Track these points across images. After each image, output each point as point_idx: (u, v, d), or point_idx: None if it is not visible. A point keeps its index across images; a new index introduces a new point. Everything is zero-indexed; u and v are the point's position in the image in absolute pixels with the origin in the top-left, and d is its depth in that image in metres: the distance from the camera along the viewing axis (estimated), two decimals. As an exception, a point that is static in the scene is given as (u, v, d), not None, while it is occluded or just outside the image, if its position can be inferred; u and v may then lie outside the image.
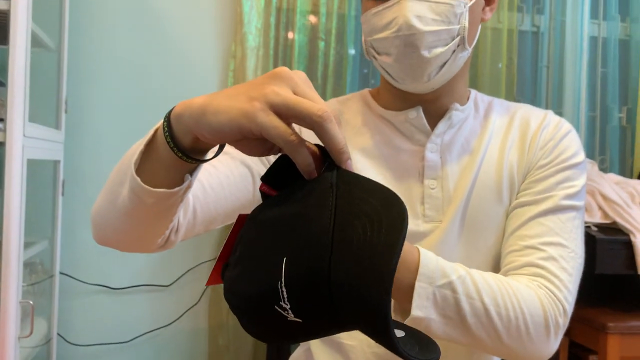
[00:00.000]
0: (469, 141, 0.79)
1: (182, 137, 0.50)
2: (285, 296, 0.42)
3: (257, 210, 0.49)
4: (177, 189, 0.53)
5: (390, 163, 0.77)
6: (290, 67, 1.86)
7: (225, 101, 0.45)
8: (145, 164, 0.54)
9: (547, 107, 2.07)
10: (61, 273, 1.69)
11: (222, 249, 0.52)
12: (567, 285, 0.71)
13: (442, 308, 0.62)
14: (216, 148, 0.52)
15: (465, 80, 0.81)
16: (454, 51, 0.72)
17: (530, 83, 2.05)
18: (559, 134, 0.79)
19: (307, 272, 0.42)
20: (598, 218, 1.66)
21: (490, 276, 0.68)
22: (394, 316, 0.65)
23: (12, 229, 1.25)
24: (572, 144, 0.79)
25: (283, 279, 0.42)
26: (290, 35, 1.86)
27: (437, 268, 0.63)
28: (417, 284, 0.61)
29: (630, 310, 1.67)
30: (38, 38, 1.43)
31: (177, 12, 1.79)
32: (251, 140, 0.46)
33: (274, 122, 0.43)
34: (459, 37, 0.71)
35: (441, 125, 0.77)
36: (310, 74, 1.88)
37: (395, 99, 0.79)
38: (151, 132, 0.54)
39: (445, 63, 0.72)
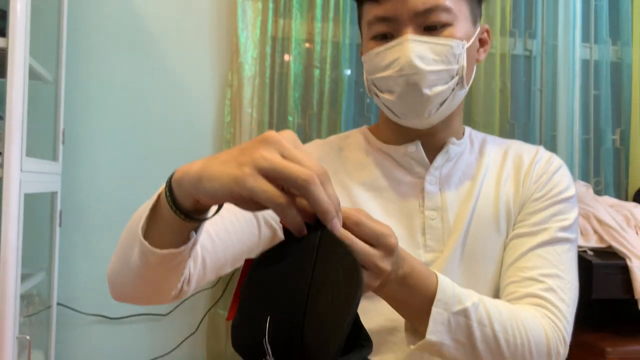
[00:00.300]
0: (466, 174, 0.82)
1: (183, 200, 0.53)
2: (270, 352, 0.47)
3: (256, 263, 0.52)
4: (183, 247, 0.56)
5: (391, 195, 0.80)
6: (286, 95, 1.88)
7: (218, 167, 0.48)
8: (152, 227, 0.57)
9: (541, 130, 2.09)
10: (58, 304, 1.68)
11: (236, 287, 0.55)
12: (566, 316, 0.74)
13: (454, 333, 0.65)
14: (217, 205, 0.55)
15: (460, 117, 0.85)
16: (453, 89, 0.75)
17: (524, 106, 2.07)
18: (551, 169, 0.82)
19: (285, 333, 0.47)
20: (594, 242, 1.67)
21: (501, 304, 0.71)
22: (408, 337, 0.69)
23: (9, 264, 1.25)
24: (564, 179, 0.82)
25: (267, 337, 0.47)
26: (286, 57, 1.88)
27: (454, 295, 0.65)
28: (434, 310, 0.63)
29: (628, 334, 1.67)
30: (35, 71, 1.44)
31: (174, 43, 1.81)
32: (246, 201, 0.48)
33: (262, 186, 0.45)
34: (457, 76, 0.75)
35: (439, 159, 0.81)
36: (306, 101, 1.90)
37: (395, 133, 0.82)
38: (155, 197, 0.57)
39: (445, 100, 0.75)
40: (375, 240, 0.54)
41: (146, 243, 0.56)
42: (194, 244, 0.57)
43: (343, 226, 0.51)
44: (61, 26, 1.63)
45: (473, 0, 0.78)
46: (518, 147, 0.87)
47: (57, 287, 1.67)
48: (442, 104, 0.75)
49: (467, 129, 0.87)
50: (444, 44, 0.72)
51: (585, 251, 1.64)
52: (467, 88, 0.78)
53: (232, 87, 1.83)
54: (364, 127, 0.89)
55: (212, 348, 1.78)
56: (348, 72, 1.92)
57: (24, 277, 1.37)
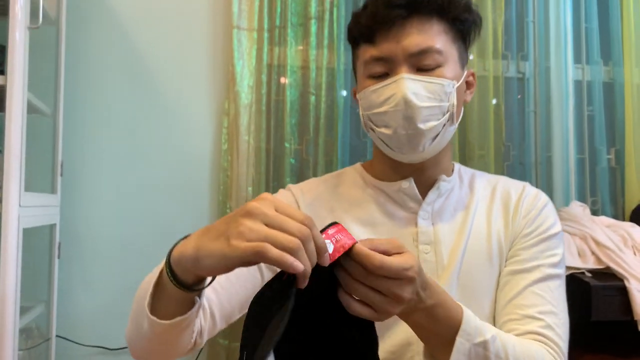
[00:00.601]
0: (457, 209, 0.85)
1: (184, 277, 0.57)
2: None
3: (252, 300, 0.56)
4: (188, 313, 0.61)
5: (386, 230, 0.83)
6: (283, 121, 1.89)
7: (210, 245, 0.52)
8: (157, 300, 0.61)
9: (536, 151, 2.10)
10: (57, 336, 1.68)
11: None
12: (564, 351, 0.79)
13: None
14: None
15: (450, 155, 0.88)
16: (444, 125, 0.79)
17: (518, 128, 2.09)
18: (539, 205, 0.86)
19: None
20: (591, 263, 1.67)
21: (513, 338, 0.75)
22: None
23: (8, 300, 1.25)
24: (551, 215, 0.86)
25: None
26: (282, 80, 1.90)
27: (476, 327, 0.68)
28: (458, 340, 0.67)
29: (628, 355, 1.66)
30: (34, 105, 1.46)
31: (171, 74, 1.83)
32: (242, 265, 0.52)
33: (243, 247, 0.49)
34: (448, 113, 0.78)
35: (431, 195, 0.84)
36: (303, 126, 1.92)
37: (388, 170, 0.85)
38: (156, 273, 0.61)
39: (437, 135, 0.79)
40: (396, 275, 0.57)
41: (153, 318, 0.61)
42: (199, 308, 0.62)
43: (367, 269, 0.55)
44: (59, 59, 1.65)
45: (461, 46, 0.83)
46: (505, 183, 0.91)
47: (57, 319, 1.66)
48: (434, 139, 0.79)
49: (457, 166, 0.92)
50: (436, 82, 0.77)
51: (583, 273, 1.64)
52: (456, 125, 0.82)
53: (229, 116, 1.85)
54: (358, 164, 0.93)
55: (212, 377, 1.77)
56: (344, 93, 1.94)
57: (23, 311, 1.37)
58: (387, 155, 0.84)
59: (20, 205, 1.29)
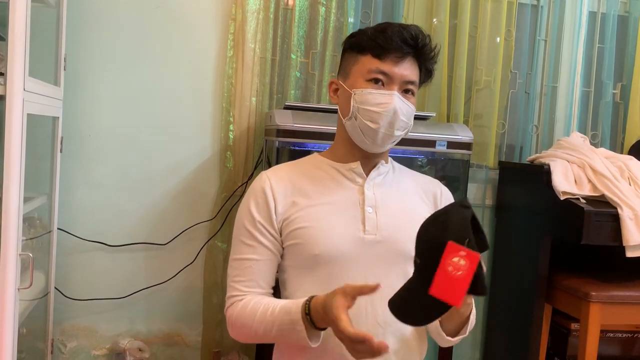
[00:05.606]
0: (392, 185, 1.14)
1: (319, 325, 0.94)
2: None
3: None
4: (320, 337, 0.96)
5: (341, 197, 1.09)
6: (290, 31, 1.86)
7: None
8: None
9: (542, 81, 2.09)
10: (59, 229, 1.71)
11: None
12: None
13: None
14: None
15: (388, 152, 1.16)
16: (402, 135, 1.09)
17: (527, 56, 2.07)
18: (450, 197, 1.19)
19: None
20: (587, 191, 1.70)
21: None
22: None
23: (12, 182, 1.26)
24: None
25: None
26: (290, 1, 1.86)
27: None
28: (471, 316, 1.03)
29: (612, 280, 1.72)
30: (38, -7, 1.42)
31: (178, -28, 1.78)
32: None
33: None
34: (408, 129, 1.08)
35: (373, 173, 1.12)
36: (310, 39, 1.89)
37: (346, 155, 1.12)
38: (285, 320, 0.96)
39: (395, 140, 1.08)
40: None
41: (314, 345, 0.94)
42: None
43: None
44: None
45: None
46: (422, 177, 1.21)
47: (58, 213, 1.69)
48: (393, 142, 1.09)
49: (390, 159, 1.18)
50: (410, 107, 1.06)
51: (578, 199, 1.67)
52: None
53: (236, 21, 1.81)
54: (316, 154, 1.17)
55: (208, 278, 1.82)
56: (351, 20, 1.90)
57: (26, 200, 1.38)
58: (351, 142, 1.09)
59: (24, 90, 1.28)
